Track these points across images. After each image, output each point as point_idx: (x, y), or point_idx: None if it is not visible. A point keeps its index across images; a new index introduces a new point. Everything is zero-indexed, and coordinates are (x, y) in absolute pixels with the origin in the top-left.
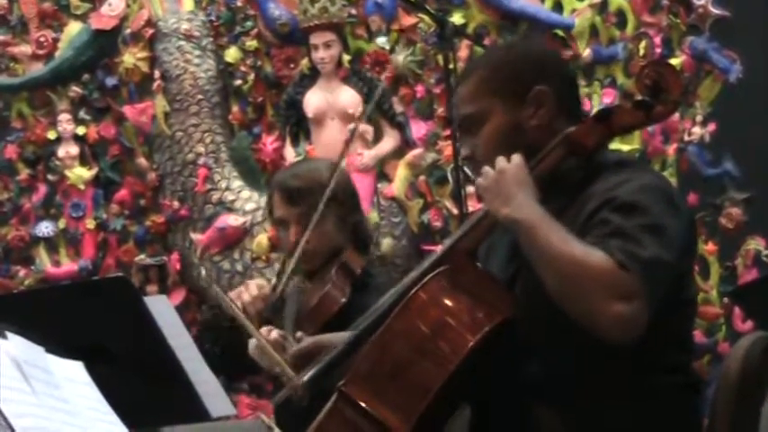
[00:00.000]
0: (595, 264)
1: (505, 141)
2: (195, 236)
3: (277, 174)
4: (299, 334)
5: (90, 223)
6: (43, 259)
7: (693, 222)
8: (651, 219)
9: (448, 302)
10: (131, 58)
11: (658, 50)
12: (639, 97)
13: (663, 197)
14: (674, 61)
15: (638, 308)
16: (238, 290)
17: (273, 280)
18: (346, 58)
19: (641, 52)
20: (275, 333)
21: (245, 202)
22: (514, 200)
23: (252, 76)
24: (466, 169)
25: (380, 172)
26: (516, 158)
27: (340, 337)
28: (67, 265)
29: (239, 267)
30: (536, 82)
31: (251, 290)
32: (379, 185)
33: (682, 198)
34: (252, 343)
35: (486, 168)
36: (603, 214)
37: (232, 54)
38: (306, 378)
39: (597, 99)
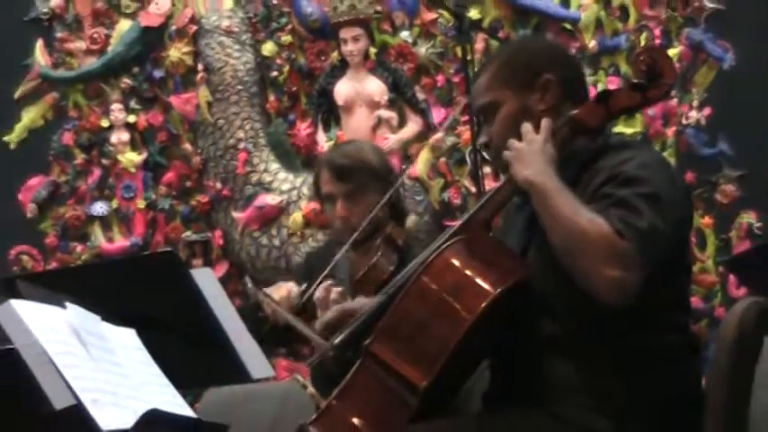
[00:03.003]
0: (597, 230)
1: (517, 124)
2: (236, 214)
3: (324, 153)
4: (358, 298)
5: (140, 203)
6: (98, 236)
7: (689, 196)
8: (649, 189)
9: (463, 267)
10: (177, 52)
11: (658, 41)
12: (635, 80)
13: (661, 172)
14: (672, 51)
15: (631, 274)
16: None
17: (303, 286)
18: (373, 50)
19: (642, 43)
20: (335, 291)
21: (282, 183)
22: (534, 166)
23: (287, 68)
24: (483, 153)
25: (404, 154)
26: (545, 124)
27: (363, 303)
28: (120, 242)
29: (276, 242)
30: (542, 71)
31: (281, 292)
32: (403, 166)
33: (678, 174)
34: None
35: (512, 141)
36: (608, 188)
37: (268, 48)
38: (337, 341)
39: (602, 86)
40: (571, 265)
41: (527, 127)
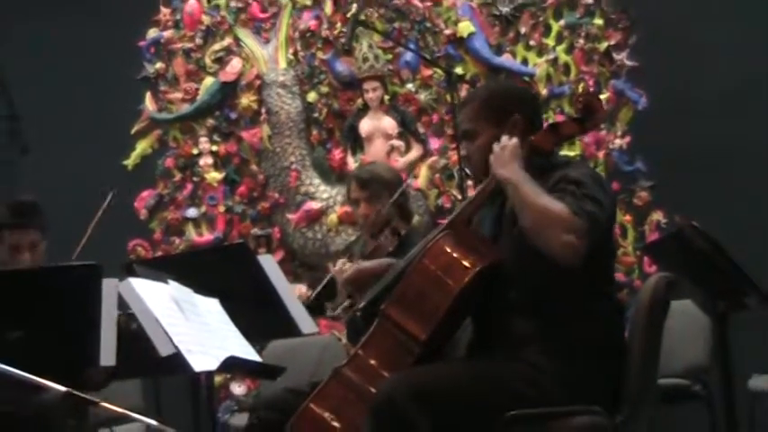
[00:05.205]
0: (557, 209)
1: (491, 150)
2: (290, 216)
3: (353, 170)
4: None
5: (221, 208)
6: (191, 232)
7: (615, 201)
8: (591, 191)
9: (452, 252)
10: (246, 100)
11: (592, 89)
12: (576, 115)
13: (597, 181)
14: (602, 96)
15: (581, 242)
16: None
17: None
18: (386, 97)
19: (580, 90)
20: (348, 265)
21: (322, 193)
22: (509, 166)
23: (325, 111)
24: (466, 170)
25: (410, 172)
26: (514, 140)
27: (375, 263)
28: (207, 236)
29: (319, 236)
30: (513, 112)
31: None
32: (408, 181)
33: (607, 183)
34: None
35: (494, 145)
36: (561, 186)
37: (312, 96)
38: (362, 305)
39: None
40: (537, 235)
41: (505, 138)
